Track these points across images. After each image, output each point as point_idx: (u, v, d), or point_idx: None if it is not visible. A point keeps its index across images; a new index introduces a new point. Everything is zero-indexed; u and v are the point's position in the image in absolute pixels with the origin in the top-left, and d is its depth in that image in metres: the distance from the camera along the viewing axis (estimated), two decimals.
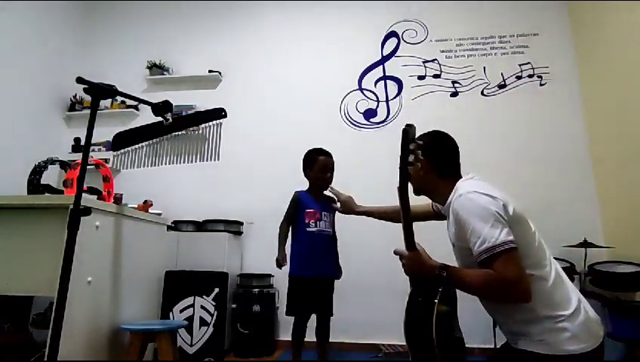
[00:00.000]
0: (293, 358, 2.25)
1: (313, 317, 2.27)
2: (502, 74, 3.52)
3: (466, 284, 1.15)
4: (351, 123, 3.60)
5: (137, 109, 3.83)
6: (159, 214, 2.40)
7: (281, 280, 3.17)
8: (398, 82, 3.63)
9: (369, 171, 3.38)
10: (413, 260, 1.21)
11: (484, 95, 3.51)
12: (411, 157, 1.13)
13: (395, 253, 1.26)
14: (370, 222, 3.50)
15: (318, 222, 2.29)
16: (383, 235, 3.33)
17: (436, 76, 3.60)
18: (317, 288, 2.23)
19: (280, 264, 2.25)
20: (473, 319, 2.94)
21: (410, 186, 1.22)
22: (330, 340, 2.40)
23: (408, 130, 1.16)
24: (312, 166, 2.35)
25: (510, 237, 1.08)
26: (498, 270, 1.07)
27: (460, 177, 1.32)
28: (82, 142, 3.25)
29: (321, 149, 2.39)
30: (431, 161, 1.30)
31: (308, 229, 2.27)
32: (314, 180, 2.35)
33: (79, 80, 1.30)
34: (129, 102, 3.82)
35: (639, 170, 2.67)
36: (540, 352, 1.08)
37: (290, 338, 3.10)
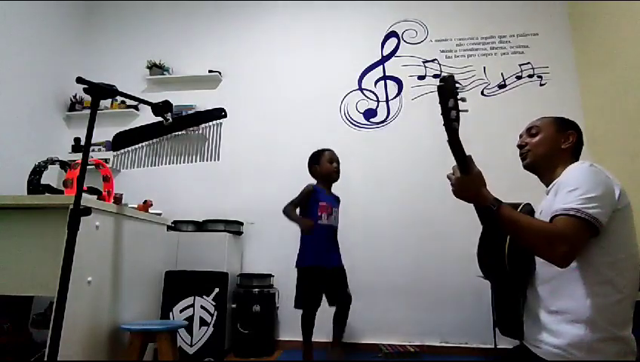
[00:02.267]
0: (304, 353, 2.28)
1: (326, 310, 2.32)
2: (502, 74, 3.52)
3: (513, 220, 1.06)
4: (351, 123, 3.60)
5: (137, 109, 3.83)
6: (159, 214, 2.40)
7: (281, 279, 3.18)
8: (398, 82, 3.63)
9: (369, 171, 3.39)
10: (463, 184, 1.11)
11: (484, 95, 3.51)
12: (451, 102, 1.07)
13: (447, 176, 1.18)
14: (371, 222, 3.51)
15: (329, 216, 2.38)
16: (385, 236, 3.35)
17: (436, 76, 3.59)
18: (327, 278, 2.29)
19: (307, 226, 2.27)
20: (473, 319, 2.96)
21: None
22: (329, 340, 2.41)
23: (447, 79, 1.08)
24: (319, 160, 2.47)
25: (602, 218, 1.01)
26: (558, 224, 1.01)
27: None
28: (82, 142, 3.25)
29: (324, 148, 2.53)
30: (578, 138, 1.30)
31: (320, 222, 2.34)
32: (323, 172, 2.45)
33: (79, 80, 1.31)
34: (129, 102, 3.82)
35: (639, 170, 2.67)
36: None
37: (290, 339, 3.11)
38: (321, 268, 2.29)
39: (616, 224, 1.05)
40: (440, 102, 1.08)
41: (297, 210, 2.38)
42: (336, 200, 2.52)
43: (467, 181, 1.11)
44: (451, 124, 1.08)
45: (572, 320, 1.02)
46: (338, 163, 2.51)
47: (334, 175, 2.47)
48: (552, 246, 1.01)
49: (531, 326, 1.14)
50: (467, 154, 1.11)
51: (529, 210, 1.26)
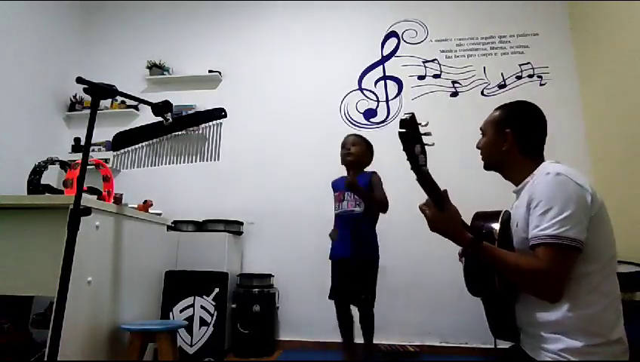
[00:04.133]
0: (342, 342, 2.30)
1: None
2: (502, 74, 3.52)
3: (496, 258, 1.05)
4: (351, 123, 3.60)
5: (137, 109, 3.83)
6: (159, 214, 2.40)
7: (281, 279, 3.18)
8: (398, 82, 3.63)
9: None
10: (438, 222, 1.09)
11: (484, 95, 3.51)
12: (417, 149, 1.00)
13: (420, 208, 1.14)
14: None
15: (340, 204, 2.37)
16: (385, 236, 3.34)
17: (436, 76, 3.60)
18: (342, 270, 2.28)
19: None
20: (473, 319, 2.96)
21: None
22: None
23: (408, 122, 0.99)
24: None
25: (581, 236, 0.98)
26: (542, 257, 0.98)
27: (543, 159, 1.21)
28: (82, 142, 3.25)
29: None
30: (517, 134, 1.20)
31: (335, 212, 2.39)
32: (341, 159, 2.48)
33: (79, 80, 1.31)
34: (129, 102, 3.82)
35: (639, 170, 2.67)
36: None
37: (290, 339, 3.13)
38: (333, 260, 2.33)
39: (595, 230, 1.03)
40: (404, 150, 0.99)
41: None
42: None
43: (443, 217, 1.09)
44: (420, 169, 1.02)
45: (565, 331, 1.00)
46: (353, 146, 2.42)
47: (343, 159, 2.46)
48: (539, 286, 1.01)
49: (525, 338, 1.13)
50: (443, 189, 1.09)
51: (508, 216, 1.22)
